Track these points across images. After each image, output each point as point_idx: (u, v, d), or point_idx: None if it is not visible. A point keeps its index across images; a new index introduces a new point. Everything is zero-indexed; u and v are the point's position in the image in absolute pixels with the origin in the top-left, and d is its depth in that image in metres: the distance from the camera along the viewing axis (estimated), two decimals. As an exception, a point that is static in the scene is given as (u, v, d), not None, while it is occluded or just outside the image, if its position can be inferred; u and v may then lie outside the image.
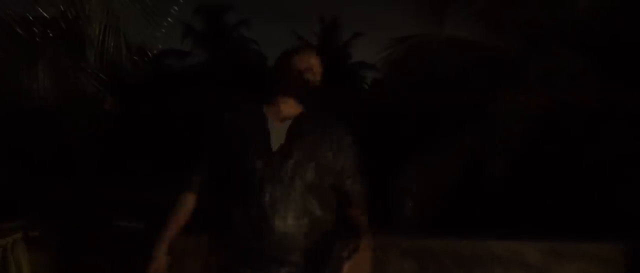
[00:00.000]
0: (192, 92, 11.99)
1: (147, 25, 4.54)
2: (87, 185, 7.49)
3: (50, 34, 4.47)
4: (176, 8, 4.88)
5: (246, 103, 1.66)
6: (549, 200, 7.13)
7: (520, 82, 7.14)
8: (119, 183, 7.96)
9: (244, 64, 14.00)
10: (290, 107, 1.59)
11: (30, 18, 4.24)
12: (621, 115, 6.53)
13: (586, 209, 6.68)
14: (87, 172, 8.23)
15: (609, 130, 6.54)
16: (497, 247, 2.62)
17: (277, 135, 1.53)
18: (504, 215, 7.06)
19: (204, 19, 15.57)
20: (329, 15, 16.02)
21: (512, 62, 7.43)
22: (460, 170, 6.86)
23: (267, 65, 15.32)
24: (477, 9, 7.96)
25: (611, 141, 6.43)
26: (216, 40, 15.18)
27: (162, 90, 12.05)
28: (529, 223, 6.96)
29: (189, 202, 1.62)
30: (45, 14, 4.15)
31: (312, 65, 1.59)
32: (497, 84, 7.30)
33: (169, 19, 4.80)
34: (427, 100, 8.08)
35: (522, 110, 6.82)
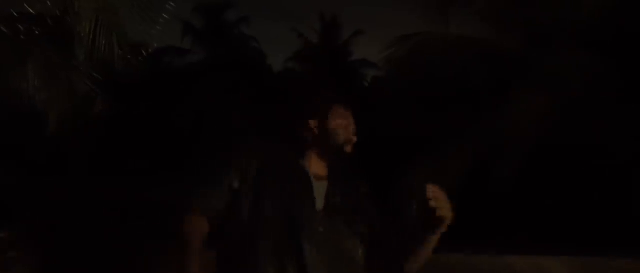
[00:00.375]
0: (191, 90, 11.85)
1: (142, 23, 4.37)
2: (84, 185, 7.37)
3: (37, 32, 4.27)
4: (173, 4, 4.70)
5: (279, 150, 1.54)
6: (549, 200, 7.06)
7: (525, 82, 7.06)
8: (117, 183, 7.82)
9: (244, 62, 13.86)
10: (322, 167, 1.54)
11: (15, 14, 4.05)
12: (628, 114, 6.44)
13: (590, 210, 6.60)
14: (82, 172, 8.10)
15: (615, 130, 6.46)
16: (518, 262, 2.43)
17: (318, 195, 1.47)
18: (510, 216, 6.95)
19: (204, 16, 15.44)
20: (329, 13, 15.84)
21: (518, 61, 7.34)
22: (466, 170, 6.72)
23: (268, 64, 15.18)
24: (480, 8, 7.90)
25: (616, 141, 6.36)
26: (216, 38, 15.04)
27: (160, 88, 11.90)
28: (533, 224, 6.88)
29: (205, 228, 1.42)
30: (31, 10, 3.96)
31: (353, 137, 1.54)
32: (503, 83, 7.22)
33: (165, 16, 4.62)
34: (431, 99, 7.98)
35: (528, 109, 6.73)
